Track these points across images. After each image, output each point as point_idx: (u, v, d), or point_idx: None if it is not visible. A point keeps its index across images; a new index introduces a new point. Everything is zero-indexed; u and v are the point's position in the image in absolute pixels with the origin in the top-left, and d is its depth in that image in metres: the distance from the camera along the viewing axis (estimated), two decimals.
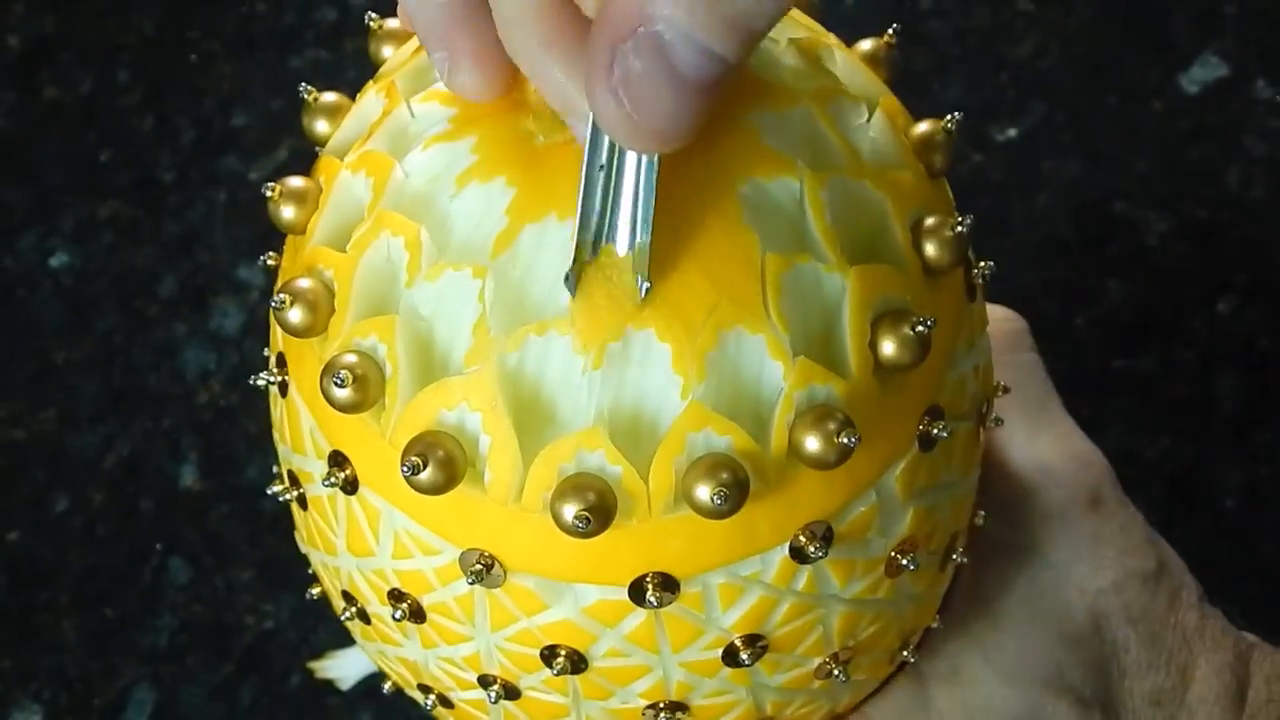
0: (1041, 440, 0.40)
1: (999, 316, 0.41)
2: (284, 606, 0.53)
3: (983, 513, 0.36)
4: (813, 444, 0.28)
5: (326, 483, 0.31)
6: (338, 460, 0.31)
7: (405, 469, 0.28)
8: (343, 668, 0.52)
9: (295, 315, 0.30)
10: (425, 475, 0.28)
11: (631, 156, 0.28)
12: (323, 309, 0.31)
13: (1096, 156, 0.60)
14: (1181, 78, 0.62)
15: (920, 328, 0.29)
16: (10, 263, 0.60)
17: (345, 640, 0.52)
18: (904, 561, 0.32)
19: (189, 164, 0.62)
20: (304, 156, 0.66)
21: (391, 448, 0.29)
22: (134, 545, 0.54)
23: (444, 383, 0.29)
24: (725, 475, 0.28)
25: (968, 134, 0.60)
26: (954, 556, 0.34)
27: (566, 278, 0.28)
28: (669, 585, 0.29)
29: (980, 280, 0.34)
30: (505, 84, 0.29)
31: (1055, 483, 0.39)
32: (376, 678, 0.51)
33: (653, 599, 0.29)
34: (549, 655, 0.31)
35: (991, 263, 0.34)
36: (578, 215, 0.28)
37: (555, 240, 0.29)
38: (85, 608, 0.53)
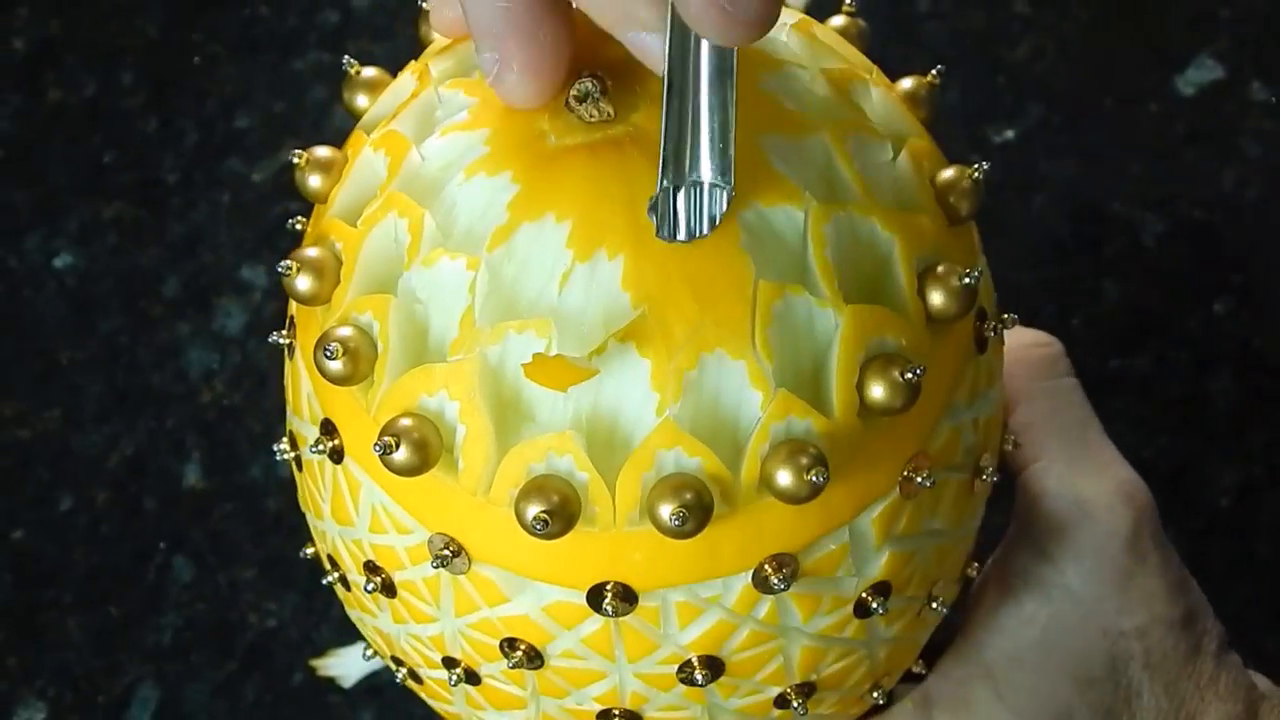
0: (1081, 470, 0.39)
1: (1030, 342, 0.41)
2: (286, 605, 0.53)
3: (976, 564, 0.36)
4: (784, 478, 0.28)
5: (315, 449, 0.31)
6: (328, 429, 0.31)
7: (378, 448, 0.28)
8: (344, 665, 0.52)
9: (302, 283, 0.31)
10: (398, 456, 0.29)
11: (705, 79, 0.27)
12: (328, 279, 0.31)
13: (1093, 158, 0.61)
14: (1177, 80, 0.62)
15: (910, 375, 0.29)
16: (15, 263, 0.60)
17: (347, 638, 0.52)
18: (874, 604, 0.31)
19: (192, 166, 0.62)
20: None
21: (375, 424, 0.30)
22: (138, 544, 0.55)
23: (427, 368, 0.29)
24: (689, 496, 0.28)
25: (965, 136, 0.61)
26: (934, 604, 0.34)
27: (651, 205, 0.28)
28: (627, 596, 0.30)
29: (993, 333, 0.33)
30: (550, 93, 0.29)
31: (1094, 518, 0.38)
32: (378, 676, 0.52)
33: (609, 607, 0.30)
34: (508, 647, 0.31)
35: (1014, 315, 0.33)
36: (661, 140, 0.28)
37: (551, 242, 0.29)
38: (89, 606, 0.54)
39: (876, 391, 0.29)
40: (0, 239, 0.61)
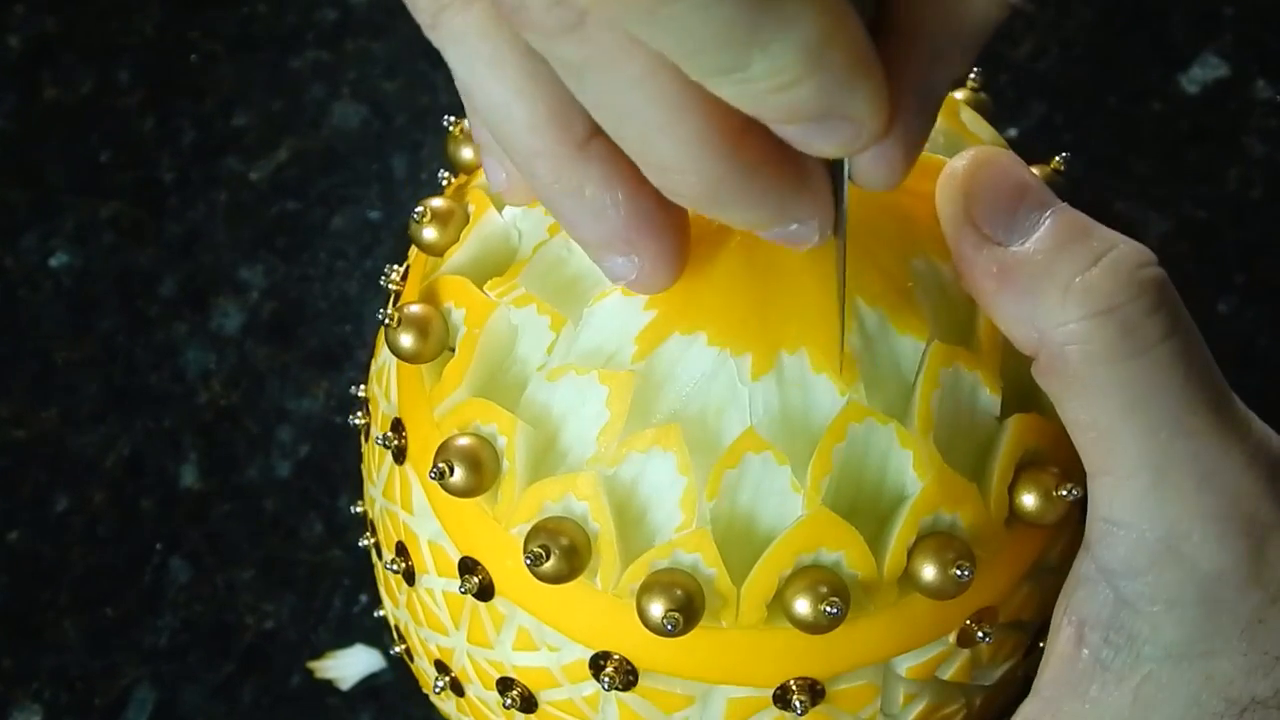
0: (1170, 488, 0.28)
1: (1100, 277, 0.30)
2: (284, 606, 0.53)
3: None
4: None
5: (462, 589, 0.30)
6: (469, 566, 0.30)
7: (528, 558, 0.28)
8: (342, 668, 0.52)
9: (405, 339, 0.30)
10: (548, 565, 0.28)
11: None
12: (432, 340, 0.30)
13: (1096, 157, 0.60)
14: (1181, 78, 0.62)
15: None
16: (11, 263, 0.60)
17: (345, 640, 0.52)
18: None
19: (189, 165, 0.62)
20: (304, 157, 0.66)
21: (512, 539, 0.29)
22: (135, 545, 0.54)
23: (567, 478, 0.29)
24: (824, 589, 0.27)
25: None
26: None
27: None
28: (813, 690, 0.29)
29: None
30: (680, 271, 0.27)
31: (1187, 558, 0.28)
32: (376, 678, 0.51)
33: (798, 703, 0.29)
34: None
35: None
36: (842, 316, 0.28)
37: (698, 350, 0.28)
38: (86, 607, 0.53)
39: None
40: None
